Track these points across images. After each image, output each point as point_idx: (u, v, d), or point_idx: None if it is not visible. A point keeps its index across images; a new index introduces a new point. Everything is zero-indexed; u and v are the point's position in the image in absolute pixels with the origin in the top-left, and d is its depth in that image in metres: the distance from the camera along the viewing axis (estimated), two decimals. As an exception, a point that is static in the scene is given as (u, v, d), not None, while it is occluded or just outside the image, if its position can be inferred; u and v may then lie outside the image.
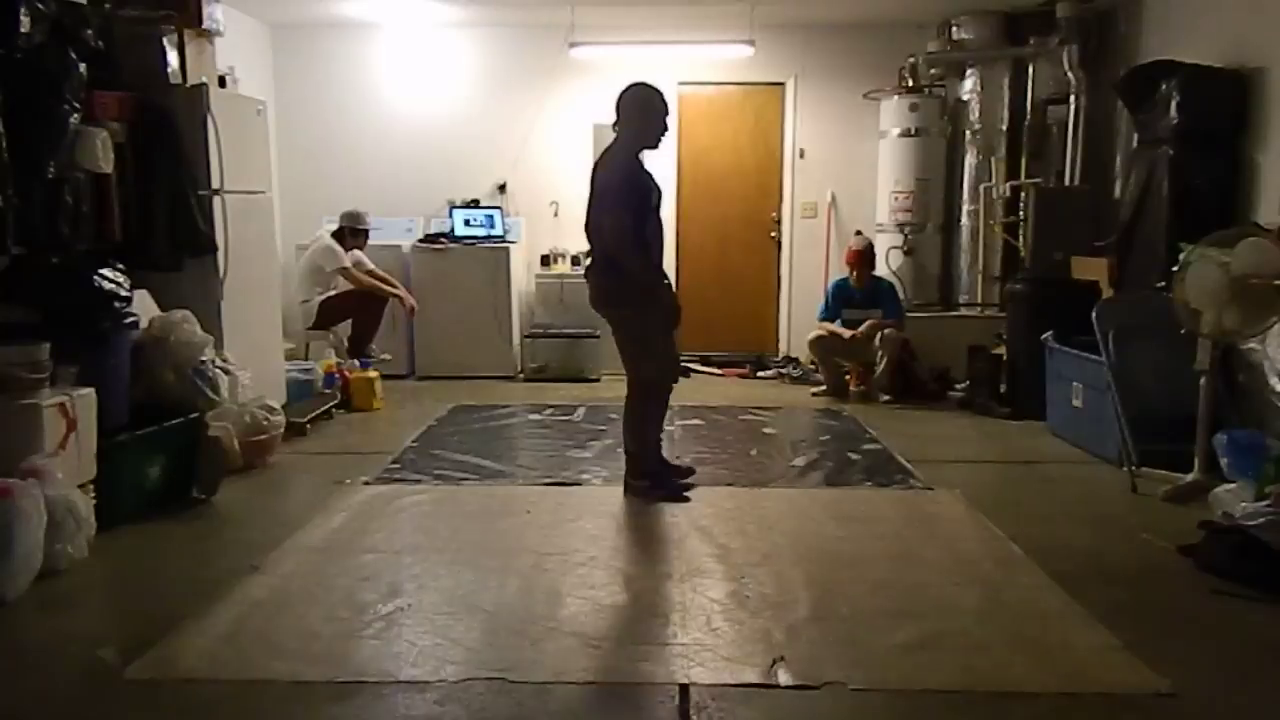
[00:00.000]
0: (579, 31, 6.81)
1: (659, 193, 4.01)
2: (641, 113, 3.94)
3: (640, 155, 3.96)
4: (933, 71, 6.89)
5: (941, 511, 3.93)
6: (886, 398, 6.13)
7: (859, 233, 6.93)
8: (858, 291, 6.36)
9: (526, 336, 6.99)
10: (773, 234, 7.62)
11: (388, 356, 6.47)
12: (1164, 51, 5.43)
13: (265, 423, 4.51)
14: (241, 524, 3.80)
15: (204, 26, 5.08)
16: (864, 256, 6.38)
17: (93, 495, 3.51)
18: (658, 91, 3.99)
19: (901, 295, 6.57)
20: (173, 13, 4.81)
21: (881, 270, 6.91)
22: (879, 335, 6.16)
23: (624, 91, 4.00)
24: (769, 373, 7.14)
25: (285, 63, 7.36)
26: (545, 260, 7.29)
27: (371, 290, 6.25)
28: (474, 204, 7.16)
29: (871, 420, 5.59)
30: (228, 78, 5.61)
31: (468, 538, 3.62)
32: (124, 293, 3.97)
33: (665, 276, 4.10)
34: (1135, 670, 2.54)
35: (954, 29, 6.84)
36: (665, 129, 4.01)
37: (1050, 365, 5.23)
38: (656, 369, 4.10)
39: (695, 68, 7.37)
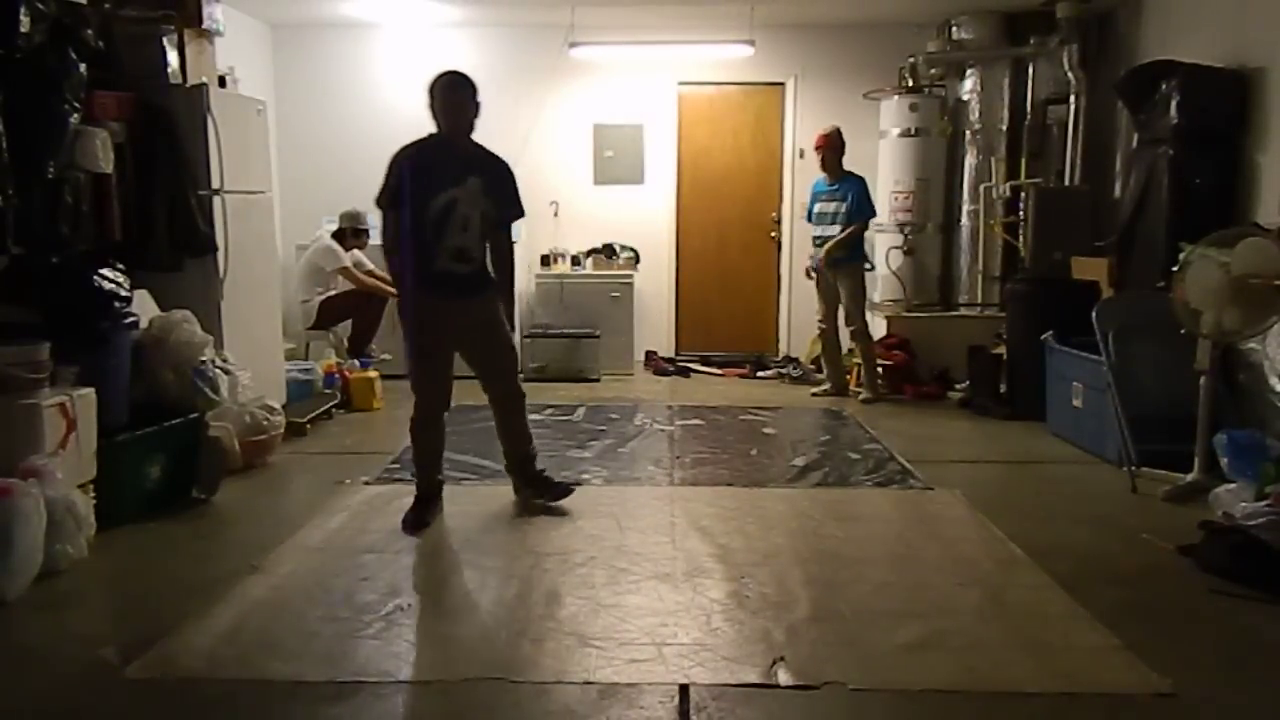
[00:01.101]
0: (579, 31, 6.81)
1: (454, 181, 3.56)
2: (430, 99, 3.64)
3: (437, 142, 3.64)
4: (933, 71, 6.89)
5: (942, 511, 3.92)
6: (891, 395, 6.14)
7: None
8: (827, 186, 6.25)
9: (526, 336, 6.98)
10: (773, 234, 7.63)
11: (388, 356, 6.45)
12: (1164, 51, 5.43)
13: (265, 423, 4.51)
14: (241, 524, 3.80)
15: (204, 26, 5.09)
16: (831, 141, 6.18)
17: (93, 495, 3.51)
18: (445, 76, 3.62)
19: (871, 196, 6.27)
20: (173, 13, 4.82)
21: (881, 270, 6.92)
22: (853, 334, 6.20)
23: None
24: (769, 373, 7.14)
25: (285, 63, 7.36)
26: (545, 260, 7.29)
27: (371, 290, 6.25)
28: (474, 204, 7.16)
29: (872, 420, 5.60)
30: (228, 78, 5.61)
31: (468, 538, 3.62)
32: (124, 293, 3.97)
33: (450, 284, 3.63)
34: (1135, 670, 2.54)
35: (954, 29, 6.84)
36: (447, 115, 3.60)
37: (1050, 365, 5.23)
38: (420, 396, 3.76)
39: (695, 68, 7.37)
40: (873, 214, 6.26)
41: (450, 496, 3.99)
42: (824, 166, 6.25)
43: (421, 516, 3.73)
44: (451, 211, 3.57)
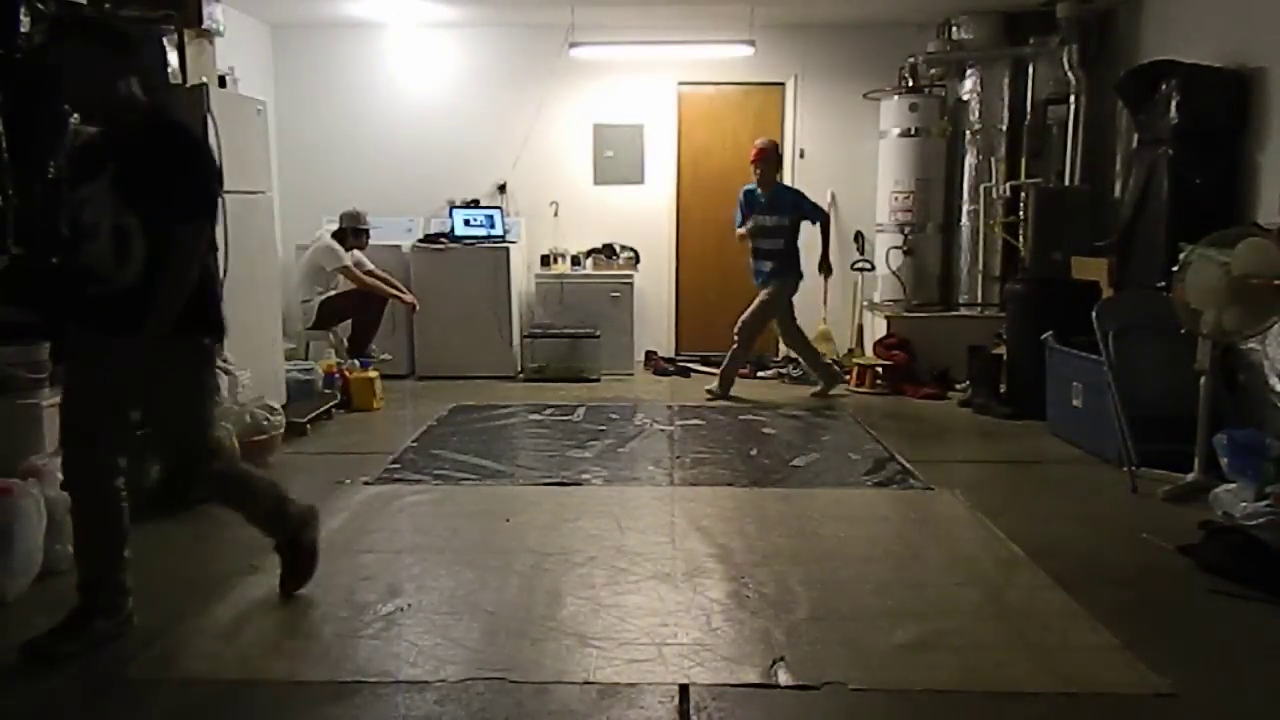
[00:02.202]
0: (579, 31, 6.81)
1: (88, 175, 2.59)
2: None
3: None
4: (933, 71, 6.90)
5: (941, 511, 3.93)
6: (885, 389, 6.15)
7: None
8: (762, 196, 6.22)
9: (526, 336, 6.99)
10: (773, 234, 7.61)
11: (388, 356, 6.46)
12: (1164, 51, 5.43)
13: (265, 423, 4.51)
14: (241, 524, 3.78)
15: (204, 26, 5.09)
16: (765, 155, 6.16)
17: (93, 495, 3.50)
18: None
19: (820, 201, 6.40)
20: (173, 13, 4.82)
21: (881, 270, 6.92)
22: (735, 330, 6.25)
23: None
24: (769, 373, 7.14)
25: (285, 63, 7.35)
26: (545, 260, 7.29)
27: (372, 290, 6.25)
28: (474, 204, 7.16)
29: (871, 420, 5.59)
30: (228, 78, 5.62)
31: (468, 538, 3.62)
32: (124, 293, 3.96)
33: (79, 314, 2.69)
34: (1135, 670, 2.54)
35: (954, 29, 6.84)
36: (69, 77, 2.62)
37: (1050, 365, 5.23)
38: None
39: (695, 68, 7.37)
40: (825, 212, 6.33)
41: (451, 496, 3.99)
42: (760, 180, 6.19)
43: (59, 640, 2.57)
44: (79, 216, 2.55)
